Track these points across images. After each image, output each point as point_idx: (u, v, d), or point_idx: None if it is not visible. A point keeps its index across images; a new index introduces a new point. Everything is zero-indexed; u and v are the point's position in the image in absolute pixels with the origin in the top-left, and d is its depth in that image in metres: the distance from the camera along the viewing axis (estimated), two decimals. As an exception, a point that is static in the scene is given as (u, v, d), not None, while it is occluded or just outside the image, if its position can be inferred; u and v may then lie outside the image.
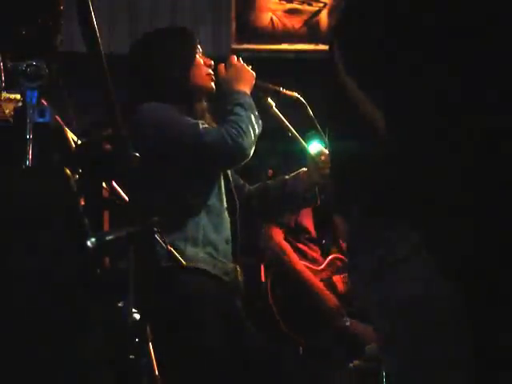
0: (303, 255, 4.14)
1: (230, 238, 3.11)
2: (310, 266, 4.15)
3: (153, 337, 2.28)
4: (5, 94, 2.12)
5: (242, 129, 2.95)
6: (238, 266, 3.12)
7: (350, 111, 1.72)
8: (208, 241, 3.01)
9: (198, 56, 3.13)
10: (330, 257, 4.27)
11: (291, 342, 4.01)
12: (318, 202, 3.42)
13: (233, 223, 3.14)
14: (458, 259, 1.61)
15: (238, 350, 3.05)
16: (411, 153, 1.61)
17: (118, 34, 6.22)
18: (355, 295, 1.85)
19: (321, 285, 4.14)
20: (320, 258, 4.24)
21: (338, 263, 4.30)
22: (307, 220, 4.22)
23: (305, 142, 3.43)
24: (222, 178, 3.12)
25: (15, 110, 2.14)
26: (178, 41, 3.14)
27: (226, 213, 3.11)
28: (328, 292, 4.17)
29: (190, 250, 2.94)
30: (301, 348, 4.07)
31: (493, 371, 1.61)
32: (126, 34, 6.26)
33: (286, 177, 3.37)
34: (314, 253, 4.22)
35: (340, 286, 4.20)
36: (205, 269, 2.95)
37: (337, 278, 4.22)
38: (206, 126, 3.01)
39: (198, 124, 2.98)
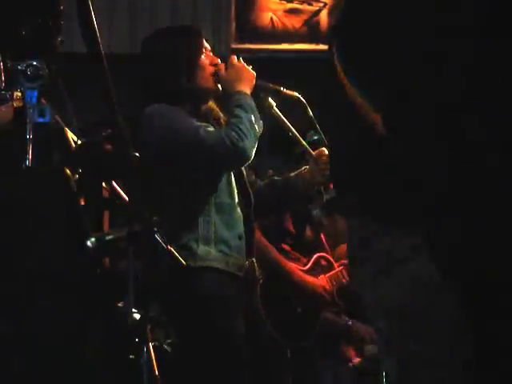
0: (287, 255, 4.13)
1: (243, 233, 3.12)
2: (296, 265, 4.15)
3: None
4: (17, 93, 2.12)
5: (242, 131, 2.96)
6: (253, 261, 3.14)
7: (350, 111, 1.72)
8: (220, 238, 3.03)
9: (203, 56, 3.13)
10: (314, 256, 4.27)
11: (278, 343, 4.01)
12: (324, 200, 3.43)
13: (247, 217, 3.15)
14: (458, 259, 1.61)
15: (251, 345, 3.06)
16: (411, 153, 1.61)
17: (117, 33, 6.22)
18: (356, 295, 1.84)
19: (305, 276, 4.14)
20: (302, 257, 4.24)
21: (323, 262, 4.29)
22: (288, 221, 4.22)
23: (305, 141, 3.43)
24: (231, 173, 3.13)
25: (15, 109, 2.13)
26: (182, 42, 3.13)
27: (239, 208, 3.12)
28: (314, 278, 4.17)
29: (202, 248, 2.96)
30: (288, 350, 4.07)
31: (492, 371, 1.61)
32: (126, 34, 6.26)
33: (291, 174, 3.38)
34: (297, 252, 4.22)
35: (327, 286, 4.20)
36: (217, 267, 2.96)
37: (321, 278, 4.22)
38: (209, 129, 3.02)
39: (199, 127, 2.99)
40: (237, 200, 3.12)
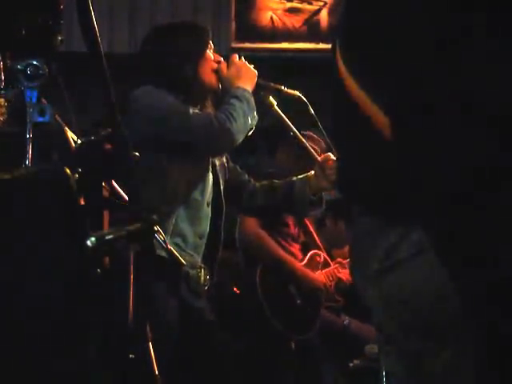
0: (284, 249, 4.14)
1: (206, 234, 3.09)
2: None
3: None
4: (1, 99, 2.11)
5: (231, 115, 2.96)
6: (204, 266, 3.09)
7: (351, 111, 1.72)
8: (178, 232, 3.00)
9: (208, 51, 3.14)
10: (309, 253, 4.28)
11: (283, 338, 4.02)
12: (324, 207, 3.42)
13: (215, 222, 3.13)
14: (461, 259, 1.60)
15: (199, 349, 3.04)
16: (414, 153, 1.61)
17: (117, 33, 6.22)
18: (357, 294, 1.84)
19: (307, 270, 4.15)
20: (299, 254, 4.24)
21: (318, 259, 4.31)
22: (287, 218, 4.21)
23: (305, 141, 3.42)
24: (209, 175, 3.11)
25: (15, 109, 2.13)
26: (189, 35, 3.13)
27: (209, 209, 3.10)
28: (313, 273, 4.18)
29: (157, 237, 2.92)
30: (293, 344, 4.07)
31: (495, 372, 1.60)
32: (126, 34, 6.26)
33: (294, 178, 3.35)
34: (294, 248, 4.22)
35: (325, 281, 4.21)
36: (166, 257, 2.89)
37: (318, 274, 4.23)
38: (197, 111, 3.03)
39: (188, 107, 3.00)
40: (208, 200, 3.10)
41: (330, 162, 3.24)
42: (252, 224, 4.06)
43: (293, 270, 4.10)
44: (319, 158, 3.29)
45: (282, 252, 4.10)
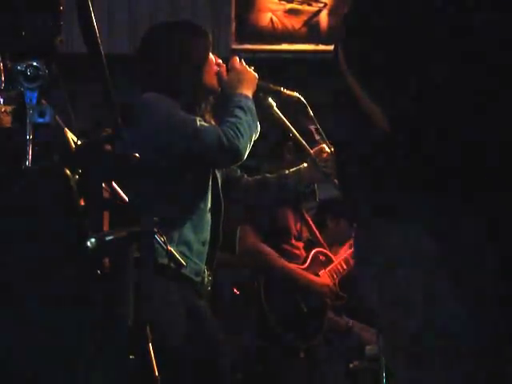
0: (287, 255, 4.13)
1: (208, 240, 3.09)
2: (296, 265, 4.15)
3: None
4: (1, 106, 2.11)
5: (239, 131, 2.94)
6: (208, 269, 3.10)
7: (352, 111, 1.72)
8: (183, 240, 2.99)
9: (211, 54, 3.13)
10: (312, 252, 4.27)
11: (292, 349, 4.01)
12: (317, 199, 3.43)
13: (215, 226, 3.13)
14: (461, 259, 1.61)
15: (202, 349, 3.04)
16: (414, 152, 1.61)
17: (117, 33, 6.23)
18: (359, 295, 1.85)
19: (307, 274, 4.14)
20: (303, 253, 4.23)
21: (321, 257, 4.30)
22: (286, 219, 4.20)
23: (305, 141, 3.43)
24: (210, 179, 3.11)
25: (14, 110, 2.13)
26: (194, 37, 3.11)
27: (209, 215, 3.10)
28: (317, 277, 4.17)
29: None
30: (302, 353, 4.06)
31: (498, 372, 1.61)
32: (126, 34, 6.27)
33: (287, 172, 3.37)
34: (297, 250, 4.21)
35: (329, 281, 4.20)
36: (173, 267, 2.90)
37: (322, 273, 4.22)
38: (204, 123, 3.00)
39: (195, 120, 2.97)
40: (209, 206, 3.10)
41: (325, 154, 3.27)
42: (252, 239, 4.06)
43: (297, 279, 4.09)
44: (312, 151, 3.32)
45: (285, 263, 4.08)
